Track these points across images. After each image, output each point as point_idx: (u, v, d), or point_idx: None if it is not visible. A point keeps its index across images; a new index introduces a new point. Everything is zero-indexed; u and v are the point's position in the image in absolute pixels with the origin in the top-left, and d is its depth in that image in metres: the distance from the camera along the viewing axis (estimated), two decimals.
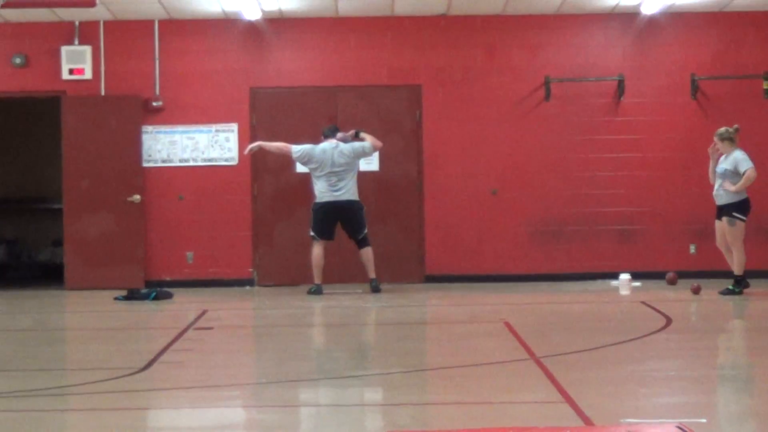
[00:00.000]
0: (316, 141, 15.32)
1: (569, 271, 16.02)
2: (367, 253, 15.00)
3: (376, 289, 14.91)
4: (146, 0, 15.13)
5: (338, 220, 14.94)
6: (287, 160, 15.53)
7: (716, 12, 16.09)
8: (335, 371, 9.65)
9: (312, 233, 14.98)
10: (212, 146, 16.09)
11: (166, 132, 16.09)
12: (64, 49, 15.98)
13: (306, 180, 15.65)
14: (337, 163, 14.84)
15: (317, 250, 14.96)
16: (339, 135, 15.05)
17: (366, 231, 15.00)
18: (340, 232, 15.05)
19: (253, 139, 15.89)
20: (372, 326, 13.13)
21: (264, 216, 16.13)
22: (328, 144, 14.97)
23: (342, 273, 15.75)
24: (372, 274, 15.02)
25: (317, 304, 14.24)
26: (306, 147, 15.02)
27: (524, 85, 16.14)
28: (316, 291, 14.91)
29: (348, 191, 14.86)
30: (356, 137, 15.09)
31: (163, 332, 12.09)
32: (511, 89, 16.13)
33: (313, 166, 14.91)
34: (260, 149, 15.20)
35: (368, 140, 15.06)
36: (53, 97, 16.21)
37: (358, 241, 15.00)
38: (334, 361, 10.34)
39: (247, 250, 16.11)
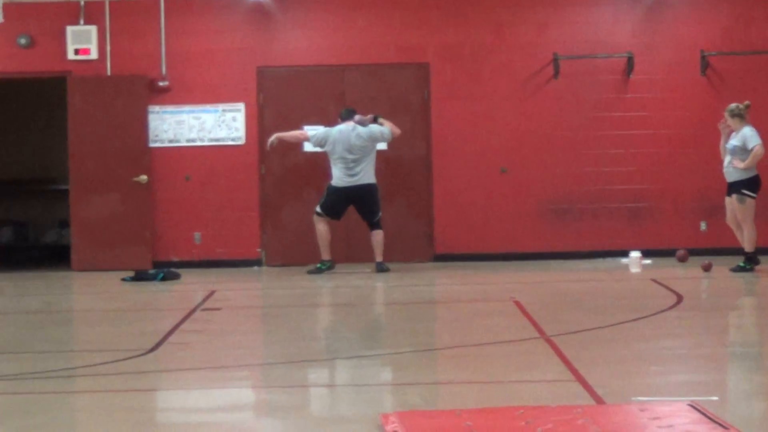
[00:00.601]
0: (323, 119, 15.25)
1: (579, 249, 15.96)
2: (378, 236, 14.92)
3: (381, 270, 14.85)
4: None
5: (352, 203, 14.87)
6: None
7: None
8: (344, 351, 9.63)
9: (319, 210, 14.90)
10: (219, 126, 16.03)
11: (172, 112, 16.03)
12: (70, 29, 15.91)
13: (313, 159, 15.62)
14: (354, 145, 14.73)
15: (323, 226, 14.90)
16: (357, 118, 14.93)
17: (380, 215, 14.93)
18: (349, 211, 15.00)
19: (260, 119, 15.86)
20: (381, 306, 13.10)
21: (271, 196, 16.07)
22: (345, 126, 14.87)
23: (350, 252, 15.70)
24: (379, 258, 14.94)
25: (325, 283, 14.21)
26: (321, 129, 14.98)
27: (533, 62, 16.04)
28: (330, 267, 14.86)
29: (365, 175, 14.77)
30: (375, 122, 14.99)
31: (170, 313, 12.07)
32: (519, 67, 16.04)
33: (329, 147, 14.81)
34: (279, 141, 15.10)
35: (387, 126, 14.95)
36: (59, 77, 16.14)
37: (372, 224, 14.94)
38: (343, 341, 10.32)
39: (254, 230, 16.07)
